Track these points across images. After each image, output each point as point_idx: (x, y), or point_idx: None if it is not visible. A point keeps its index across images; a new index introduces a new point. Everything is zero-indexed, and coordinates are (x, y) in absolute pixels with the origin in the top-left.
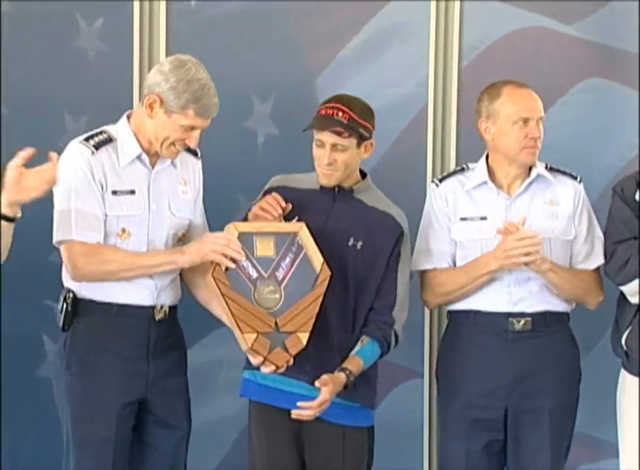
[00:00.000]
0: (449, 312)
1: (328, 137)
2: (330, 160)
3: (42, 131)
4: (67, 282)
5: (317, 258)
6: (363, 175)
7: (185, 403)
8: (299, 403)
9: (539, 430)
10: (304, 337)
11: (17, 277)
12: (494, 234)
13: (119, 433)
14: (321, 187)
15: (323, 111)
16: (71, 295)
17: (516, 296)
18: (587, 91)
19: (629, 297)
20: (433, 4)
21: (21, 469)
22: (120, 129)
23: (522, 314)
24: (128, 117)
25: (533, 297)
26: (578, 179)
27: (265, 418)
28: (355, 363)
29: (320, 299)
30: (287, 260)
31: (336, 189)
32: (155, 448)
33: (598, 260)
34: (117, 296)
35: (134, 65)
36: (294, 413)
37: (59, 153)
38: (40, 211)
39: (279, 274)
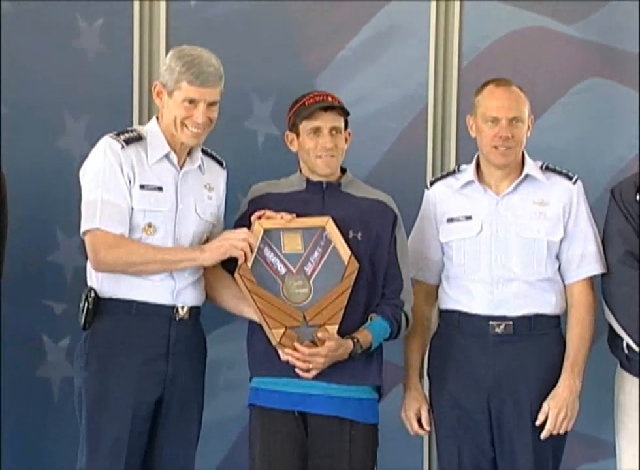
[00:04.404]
0: (439, 311)
1: (326, 121)
2: (332, 144)
3: (42, 131)
4: (90, 281)
5: (344, 251)
6: (342, 170)
7: (199, 407)
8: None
9: (521, 434)
10: (333, 330)
11: (17, 277)
12: (476, 233)
13: (134, 432)
14: (308, 186)
15: (312, 100)
16: (92, 293)
17: (498, 297)
18: (587, 91)
19: None
20: (433, 4)
21: (22, 469)
22: (150, 128)
23: (503, 318)
24: (157, 118)
25: (516, 299)
26: (574, 180)
27: (268, 422)
28: (364, 335)
29: (349, 291)
30: (316, 254)
31: (324, 185)
32: (167, 450)
33: (590, 267)
34: (137, 293)
35: (134, 65)
36: (284, 352)
37: (59, 153)
38: (40, 211)
39: (308, 268)
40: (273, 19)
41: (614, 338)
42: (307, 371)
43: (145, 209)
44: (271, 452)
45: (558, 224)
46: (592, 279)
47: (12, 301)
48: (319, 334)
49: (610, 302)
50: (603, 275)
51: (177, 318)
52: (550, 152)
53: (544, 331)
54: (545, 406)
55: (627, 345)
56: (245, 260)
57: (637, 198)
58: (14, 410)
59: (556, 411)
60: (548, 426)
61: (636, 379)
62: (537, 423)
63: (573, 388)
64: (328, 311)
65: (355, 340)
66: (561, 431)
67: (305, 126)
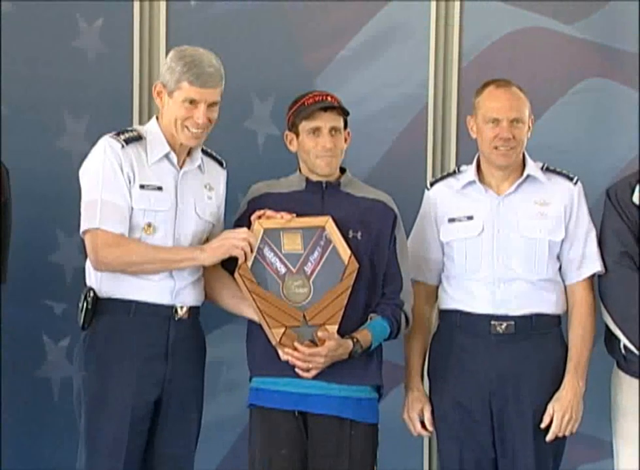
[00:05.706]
0: (439, 311)
1: (326, 121)
2: (331, 144)
3: (42, 131)
4: (89, 280)
5: (344, 251)
6: (342, 170)
7: (198, 407)
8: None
9: (522, 433)
10: (333, 329)
11: (17, 277)
12: (478, 233)
13: (133, 432)
14: (307, 186)
15: (311, 100)
16: (92, 293)
17: (500, 297)
18: (587, 91)
19: None
20: (433, 4)
21: (21, 469)
22: (150, 128)
23: (505, 317)
24: (157, 118)
25: (518, 299)
26: (574, 181)
27: (268, 422)
28: (363, 334)
29: (349, 291)
30: (315, 254)
31: (324, 185)
32: (166, 450)
33: (591, 267)
34: (136, 293)
35: (134, 65)
36: (284, 352)
37: (59, 153)
38: (40, 211)
39: (308, 268)
40: (273, 19)
41: (611, 338)
42: (307, 370)
43: (145, 208)
44: (271, 452)
45: (560, 225)
46: (592, 280)
47: (12, 301)
48: (319, 334)
49: (607, 303)
50: (599, 276)
51: (176, 318)
52: (550, 152)
53: (545, 331)
54: (550, 408)
55: (624, 346)
56: (245, 259)
57: (634, 199)
58: (14, 410)
59: (561, 414)
60: (553, 429)
61: (633, 379)
62: (542, 425)
63: (576, 389)
64: (328, 310)
65: (355, 340)
66: (567, 433)
67: (304, 126)
